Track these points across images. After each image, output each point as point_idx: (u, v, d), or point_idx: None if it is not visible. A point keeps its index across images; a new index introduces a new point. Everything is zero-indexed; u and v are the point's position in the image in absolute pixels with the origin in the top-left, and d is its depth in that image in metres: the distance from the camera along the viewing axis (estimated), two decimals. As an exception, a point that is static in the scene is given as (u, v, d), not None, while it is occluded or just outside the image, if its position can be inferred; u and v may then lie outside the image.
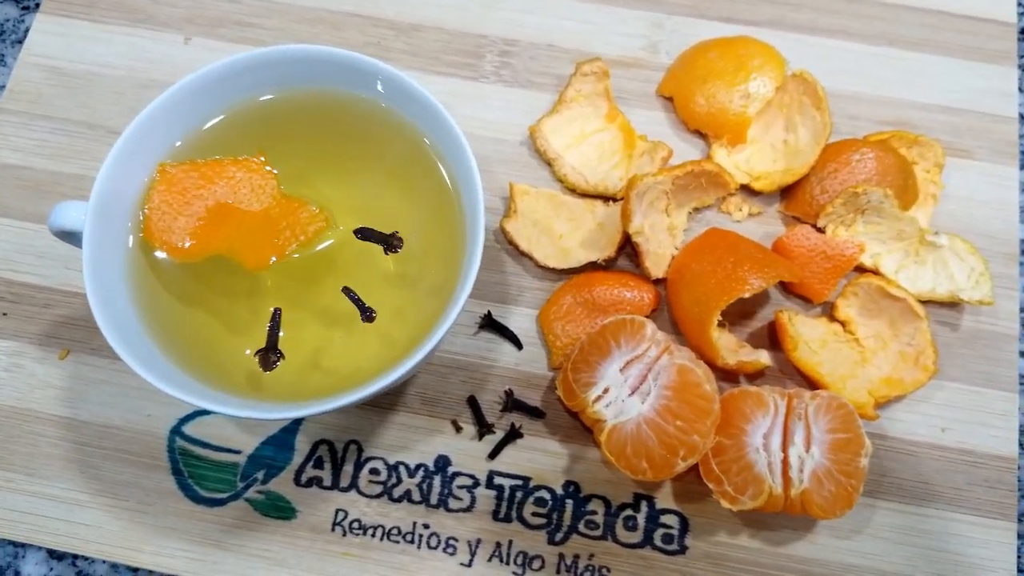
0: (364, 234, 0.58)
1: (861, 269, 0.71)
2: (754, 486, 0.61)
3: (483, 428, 0.68)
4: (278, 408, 0.53)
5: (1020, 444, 0.70)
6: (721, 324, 0.70)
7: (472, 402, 0.69)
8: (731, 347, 0.68)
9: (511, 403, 0.69)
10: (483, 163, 0.76)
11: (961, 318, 0.68)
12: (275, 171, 0.59)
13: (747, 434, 0.63)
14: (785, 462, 0.62)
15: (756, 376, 0.70)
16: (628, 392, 0.63)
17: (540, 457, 0.65)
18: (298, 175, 0.63)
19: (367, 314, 0.56)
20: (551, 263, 0.72)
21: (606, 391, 0.64)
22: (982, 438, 0.65)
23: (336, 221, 0.61)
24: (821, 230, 0.72)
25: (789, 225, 0.73)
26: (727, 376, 0.70)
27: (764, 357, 0.66)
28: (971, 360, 0.67)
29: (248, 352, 0.58)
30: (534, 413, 0.69)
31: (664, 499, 0.67)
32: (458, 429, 0.66)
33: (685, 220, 0.74)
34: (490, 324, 0.71)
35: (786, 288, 0.72)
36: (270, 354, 0.55)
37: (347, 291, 0.56)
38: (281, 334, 0.58)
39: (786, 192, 0.75)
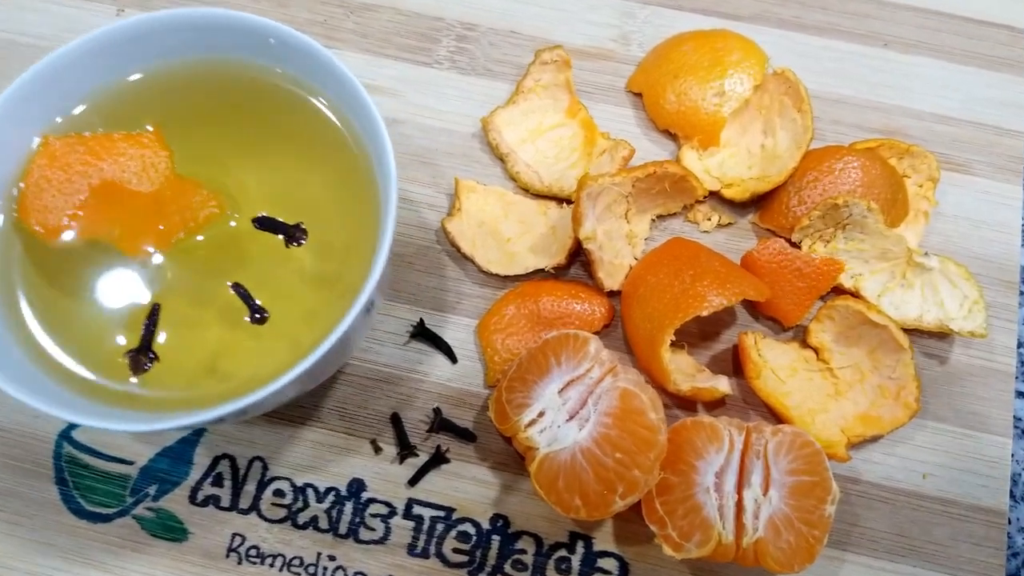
0: (264, 224, 0.51)
1: (839, 291, 0.65)
2: (701, 531, 0.54)
3: (405, 450, 0.62)
4: (142, 418, 0.47)
5: (1012, 496, 0.63)
6: (678, 345, 0.64)
7: (395, 420, 0.63)
8: (687, 371, 0.62)
9: (439, 423, 0.62)
10: (429, 156, 0.70)
11: (951, 351, 0.61)
12: (167, 151, 0.53)
13: (697, 471, 0.56)
14: (739, 506, 0.55)
15: (716, 406, 0.63)
16: (565, 417, 0.57)
17: (467, 486, 0.58)
18: (205, 155, 0.57)
19: (257, 314, 0.50)
20: (495, 268, 0.65)
21: (541, 415, 0.57)
22: (969, 487, 0.58)
23: (239, 208, 0.55)
24: (796, 245, 0.65)
25: (762, 239, 0.66)
26: (684, 404, 0.63)
27: (723, 384, 0.60)
28: (960, 399, 0.60)
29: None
30: (464, 436, 0.62)
31: (603, 540, 0.60)
32: (377, 450, 0.59)
33: (647, 228, 0.68)
34: (422, 333, 0.65)
35: (754, 308, 0.66)
36: (141, 356, 0.48)
37: (237, 287, 0.50)
38: (164, 334, 0.51)
39: (761, 202, 0.69)
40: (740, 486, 0.56)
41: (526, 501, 0.61)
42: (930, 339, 0.63)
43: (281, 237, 0.52)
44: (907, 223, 0.67)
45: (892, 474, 0.60)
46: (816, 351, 0.64)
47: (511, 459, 0.62)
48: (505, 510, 0.61)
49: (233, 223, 0.52)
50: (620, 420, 0.55)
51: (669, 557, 0.55)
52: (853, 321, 0.62)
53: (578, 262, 0.68)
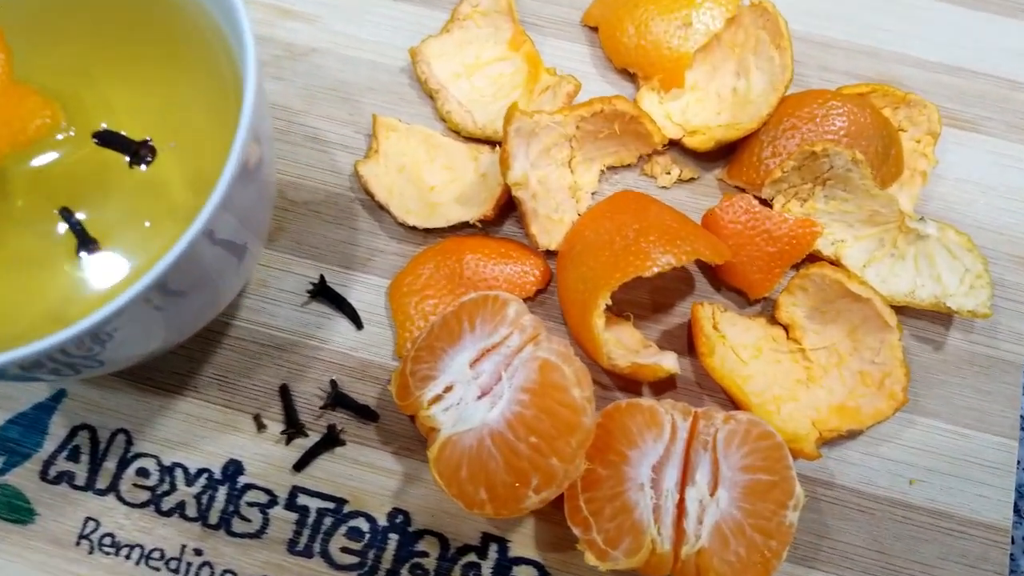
0: (104, 139, 0.42)
1: (816, 260, 0.55)
2: (632, 537, 0.45)
3: (293, 428, 0.53)
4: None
5: (1016, 510, 0.54)
6: (623, 316, 0.54)
7: (284, 393, 0.54)
8: (631, 346, 0.52)
9: (335, 398, 0.53)
10: (349, 91, 0.61)
11: (947, 335, 0.52)
12: (4, 52, 0.44)
13: (630, 463, 0.46)
14: (680, 507, 0.46)
15: (664, 389, 0.54)
16: (476, 393, 0.47)
17: (365, 474, 0.49)
18: (69, 66, 0.48)
19: (86, 245, 0.41)
20: (413, 220, 0.56)
21: (448, 390, 0.48)
22: (964, 497, 0.49)
23: (92, 123, 0.46)
24: (767, 203, 0.56)
25: (727, 194, 0.57)
26: (628, 387, 0.54)
27: (669, 362, 0.50)
28: (957, 391, 0.51)
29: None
30: (364, 414, 0.53)
31: (521, 544, 0.51)
32: (261, 427, 0.50)
33: (595, 180, 0.58)
34: (323, 292, 0.56)
35: (716, 278, 0.56)
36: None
37: (65, 212, 0.41)
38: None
39: (730, 156, 0.59)
40: (683, 484, 0.47)
41: (433, 495, 0.52)
42: (923, 320, 0.54)
43: (129, 158, 0.42)
44: (900, 184, 0.58)
45: (872, 478, 0.51)
46: (786, 329, 0.54)
47: (418, 444, 0.53)
48: (407, 504, 0.52)
49: (61, 136, 0.43)
50: (538, 397, 0.46)
51: (593, 567, 0.46)
52: (831, 293, 0.53)
53: (513, 217, 0.58)
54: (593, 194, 0.59)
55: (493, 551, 0.51)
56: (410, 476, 0.53)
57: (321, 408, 0.54)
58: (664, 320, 0.56)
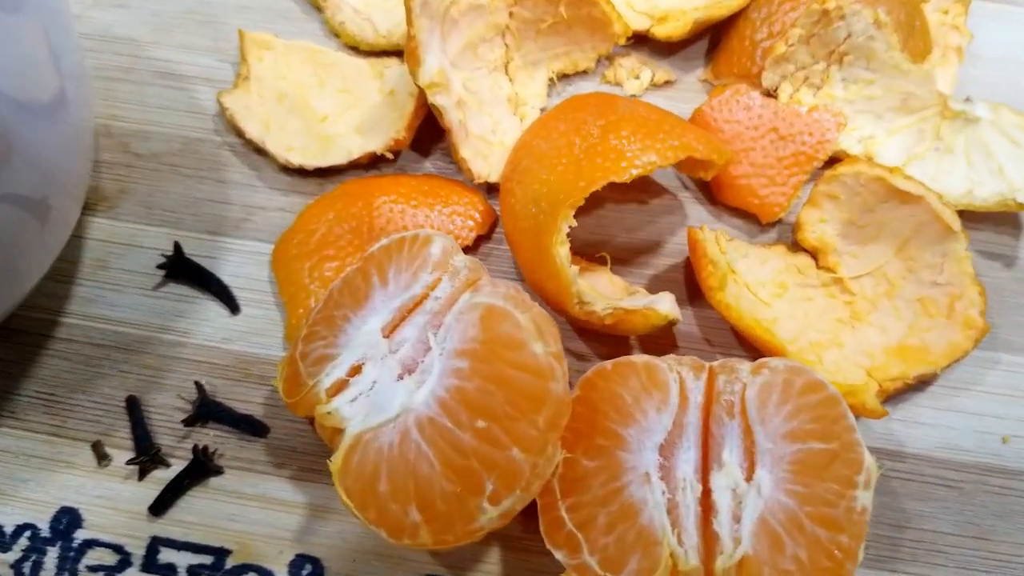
0: None
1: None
2: (641, 553, 0.32)
3: (145, 456, 0.39)
4: None
5: None
6: (596, 260, 0.41)
7: (132, 408, 0.39)
8: (612, 292, 0.39)
9: (203, 408, 0.39)
10: (212, 12, 0.49)
11: (1019, 246, 0.40)
12: None
13: (626, 446, 0.33)
14: (706, 502, 0.32)
15: (664, 350, 0.41)
16: (396, 372, 0.34)
17: (254, 511, 0.36)
18: None
19: None
20: (299, 159, 0.43)
21: (355, 371, 0.34)
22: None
23: None
24: (771, 95, 0.44)
25: (719, 87, 0.45)
26: (610, 351, 0.41)
27: (666, 305, 0.37)
28: None
29: None
30: (248, 427, 0.39)
31: (484, 585, 0.37)
32: (102, 458, 0.37)
33: (543, 91, 0.46)
34: (180, 268, 0.42)
35: (714, 199, 0.44)
36: None
37: None
38: None
39: (714, 52, 0.47)
40: (704, 468, 0.33)
41: (352, 530, 0.38)
42: (986, 229, 0.44)
43: None
44: (931, 65, 0.46)
45: (954, 440, 0.39)
46: (814, 256, 0.42)
47: (327, 460, 0.39)
48: (316, 548, 0.38)
49: None
50: (482, 361, 0.32)
51: (590, 605, 0.32)
52: (869, 198, 0.41)
53: (440, 150, 0.45)
54: (542, 110, 0.46)
55: (444, 603, 0.37)
56: (318, 508, 0.38)
57: (185, 424, 0.39)
58: (650, 263, 0.43)
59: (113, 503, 0.39)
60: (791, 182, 0.43)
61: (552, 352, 0.32)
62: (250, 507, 0.39)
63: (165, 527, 0.38)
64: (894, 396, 0.40)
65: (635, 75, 0.47)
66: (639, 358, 0.35)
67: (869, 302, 0.41)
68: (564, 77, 0.48)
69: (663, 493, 0.33)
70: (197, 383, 0.40)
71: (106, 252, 0.43)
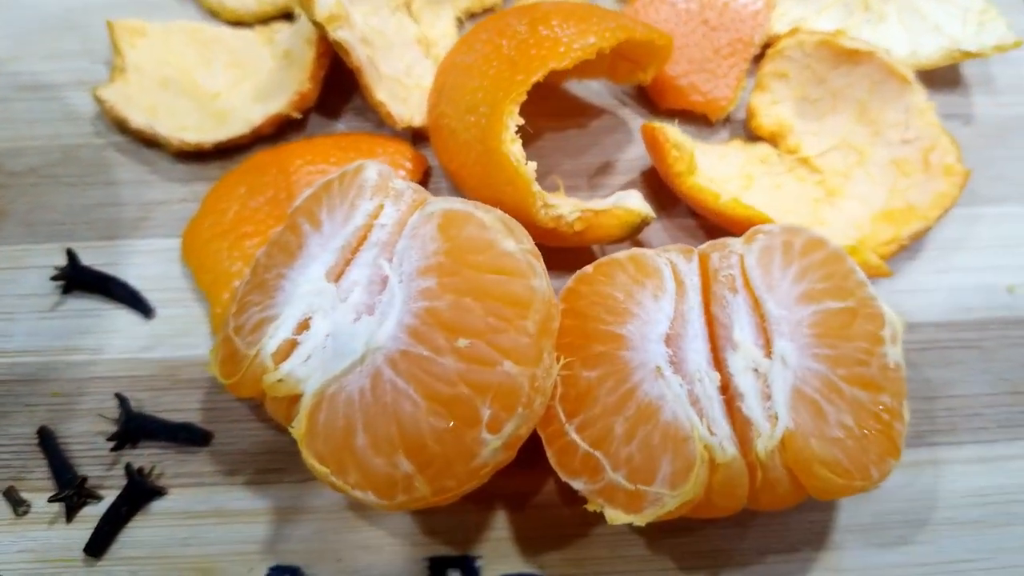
0: None
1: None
2: (671, 453, 0.29)
3: (70, 491, 0.33)
4: None
5: None
6: (549, 188, 0.39)
7: (45, 440, 0.34)
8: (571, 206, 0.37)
9: (129, 424, 0.34)
10: (77, 15, 0.47)
11: (972, 101, 0.40)
12: None
13: (628, 344, 0.30)
14: (727, 390, 0.30)
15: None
16: (352, 316, 0.30)
17: (212, 528, 0.33)
18: None
19: None
20: (195, 137, 0.40)
21: (303, 328, 0.30)
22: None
23: None
24: (691, -13, 0.43)
25: None
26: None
27: (635, 202, 0.35)
28: (1015, 165, 0.38)
29: None
30: (187, 436, 0.34)
31: (499, 552, 0.33)
32: (18, 505, 0.33)
33: (452, 30, 0.44)
34: (77, 279, 0.37)
35: (658, 108, 0.43)
36: None
37: None
38: None
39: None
40: (716, 355, 0.30)
41: (331, 523, 0.33)
42: (939, 91, 0.42)
43: None
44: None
45: (960, 300, 0.38)
46: (773, 141, 0.41)
47: (288, 450, 0.34)
48: (292, 554, 0.33)
49: None
50: (451, 273, 0.29)
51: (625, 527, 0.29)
52: (819, 69, 0.40)
53: (351, 110, 0.42)
54: (453, 52, 0.44)
55: (454, 580, 0.33)
56: (285, 510, 0.34)
57: (113, 448, 0.34)
58: (603, 184, 0.42)
59: (41, 554, 0.33)
60: (733, 72, 0.42)
61: (527, 249, 0.29)
62: (205, 526, 0.34)
63: (109, 569, 0.33)
64: (890, 263, 0.38)
65: (546, 4, 0.46)
66: (621, 253, 0.32)
67: (841, 175, 0.40)
68: (472, 16, 0.46)
69: (680, 384, 0.30)
70: (119, 396, 0.35)
71: (-12, 280, 0.39)
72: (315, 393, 0.29)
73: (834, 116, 0.40)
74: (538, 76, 0.33)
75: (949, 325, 0.38)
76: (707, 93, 0.41)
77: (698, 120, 0.43)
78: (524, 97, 0.33)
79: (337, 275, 0.32)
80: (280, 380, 0.30)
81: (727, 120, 0.43)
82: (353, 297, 0.31)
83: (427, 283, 0.29)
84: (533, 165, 0.33)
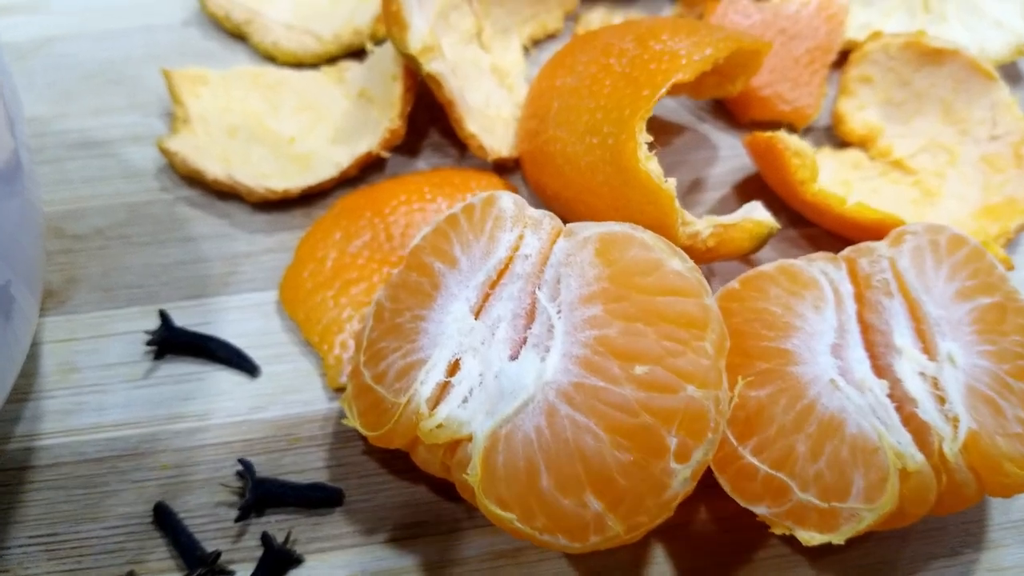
0: None
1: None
2: (863, 467, 0.28)
3: (203, 568, 0.31)
4: None
5: None
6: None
7: (163, 517, 0.32)
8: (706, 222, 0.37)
9: (257, 490, 0.33)
10: (120, 70, 0.46)
11: None
12: None
13: (797, 359, 0.30)
14: (897, 396, 0.30)
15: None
16: (506, 352, 0.30)
17: None
18: None
19: None
20: (281, 184, 0.39)
21: (454, 369, 0.30)
22: None
23: None
24: (763, -1, 0.44)
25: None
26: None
27: (762, 212, 0.35)
28: None
29: None
30: (321, 496, 0.33)
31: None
32: None
33: (520, 59, 0.44)
34: (172, 340, 0.36)
35: (740, 121, 0.43)
36: None
37: None
38: None
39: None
40: (875, 364, 0.31)
41: (492, 572, 0.32)
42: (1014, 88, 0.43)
43: None
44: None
45: None
46: (863, 145, 0.41)
47: (430, 500, 0.33)
48: (450, 611, 0.32)
49: None
50: (617, 299, 0.29)
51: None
52: (902, 71, 0.41)
53: (429, 147, 0.42)
54: (528, 82, 0.44)
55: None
56: (435, 564, 0.33)
57: (239, 518, 0.33)
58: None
59: (175, 645, 0.31)
60: (815, 80, 0.43)
61: (692, 267, 0.29)
62: (353, 590, 0.32)
63: (254, 652, 0.31)
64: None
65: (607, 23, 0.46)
66: (768, 266, 0.32)
67: (936, 176, 0.41)
68: (536, 44, 0.46)
69: (859, 398, 0.30)
70: (242, 461, 0.34)
71: (71, 352, 0.37)
72: (487, 435, 0.29)
73: (920, 117, 0.42)
74: (664, 90, 0.33)
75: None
76: (792, 102, 0.42)
77: (780, 129, 0.43)
78: (650, 113, 0.33)
79: (479, 307, 0.31)
80: (440, 424, 0.29)
81: (808, 129, 0.44)
82: (500, 333, 0.31)
83: (592, 311, 0.29)
84: (673, 181, 0.33)
